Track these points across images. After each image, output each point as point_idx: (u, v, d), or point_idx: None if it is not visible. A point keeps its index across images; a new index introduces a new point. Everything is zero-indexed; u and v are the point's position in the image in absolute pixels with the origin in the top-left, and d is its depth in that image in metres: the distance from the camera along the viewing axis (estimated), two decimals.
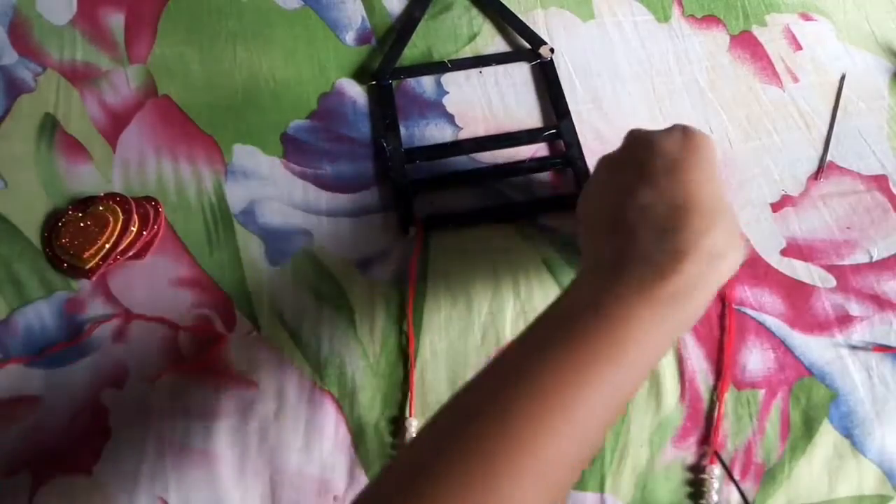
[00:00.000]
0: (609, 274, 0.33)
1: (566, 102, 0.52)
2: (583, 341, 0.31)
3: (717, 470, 0.40)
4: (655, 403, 0.43)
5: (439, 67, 0.53)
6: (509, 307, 0.45)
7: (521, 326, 0.44)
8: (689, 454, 0.42)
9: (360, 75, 0.53)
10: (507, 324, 0.44)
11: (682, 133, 0.36)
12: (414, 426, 0.41)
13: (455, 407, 0.31)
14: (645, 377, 0.33)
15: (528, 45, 0.55)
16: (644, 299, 0.31)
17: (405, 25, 0.55)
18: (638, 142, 0.37)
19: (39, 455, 0.40)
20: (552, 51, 0.54)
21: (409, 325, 0.44)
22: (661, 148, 0.35)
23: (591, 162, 0.50)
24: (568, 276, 0.46)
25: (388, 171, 0.49)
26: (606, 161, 0.39)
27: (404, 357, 0.43)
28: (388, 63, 0.53)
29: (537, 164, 0.50)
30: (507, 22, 0.56)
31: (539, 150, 0.51)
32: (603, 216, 0.36)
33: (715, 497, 0.40)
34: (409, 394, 0.42)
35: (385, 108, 0.51)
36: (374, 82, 0.52)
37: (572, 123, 0.51)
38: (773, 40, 0.56)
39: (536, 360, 0.30)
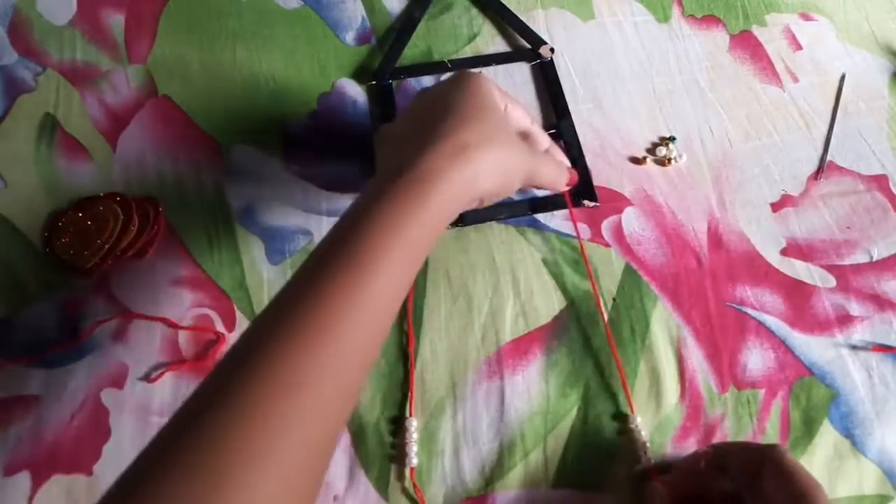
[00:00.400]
0: (364, 192, 0.35)
1: (566, 102, 0.52)
2: (333, 261, 0.31)
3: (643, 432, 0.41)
4: (655, 403, 0.43)
5: (440, 67, 0.53)
6: (509, 307, 0.45)
7: (521, 326, 0.44)
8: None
9: (360, 75, 0.53)
10: (507, 324, 0.44)
11: (452, 77, 0.41)
12: (414, 426, 0.41)
13: (194, 392, 0.30)
14: (407, 279, 0.34)
15: (528, 46, 0.55)
16: (388, 195, 0.33)
17: (405, 25, 0.55)
18: (421, 93, 0.43)
19: (39, 455, 0.40)
20: (552, 51, 0.54)
21: (410, 324, 0.44)
22: (434, 89, 0.41)
23: (591, 162, 0.50)
24: (567, 276, 0.46)
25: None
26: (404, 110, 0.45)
27: (404, 357, 0.43)
28: (388, 63, 0.53)
29: None
30: (507, 22, 0.56)
31: None
32: (380, 153, 0.40)
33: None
34: (410, 394, 0.42)
35: (386, 107, 0.51)
36: (374, 82, 0.52)
37: (572, 123, 0.51)
38: (773, 40, 0.56)
39: (295, 291, 0.31)
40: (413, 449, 0.40)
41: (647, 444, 0.41)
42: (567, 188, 0.45)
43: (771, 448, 0.35)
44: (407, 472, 0.40)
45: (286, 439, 0.27)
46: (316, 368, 0.29)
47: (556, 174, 0.43)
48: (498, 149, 0.37)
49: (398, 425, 0.42)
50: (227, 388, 0.28)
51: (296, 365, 0.29)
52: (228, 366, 0.29)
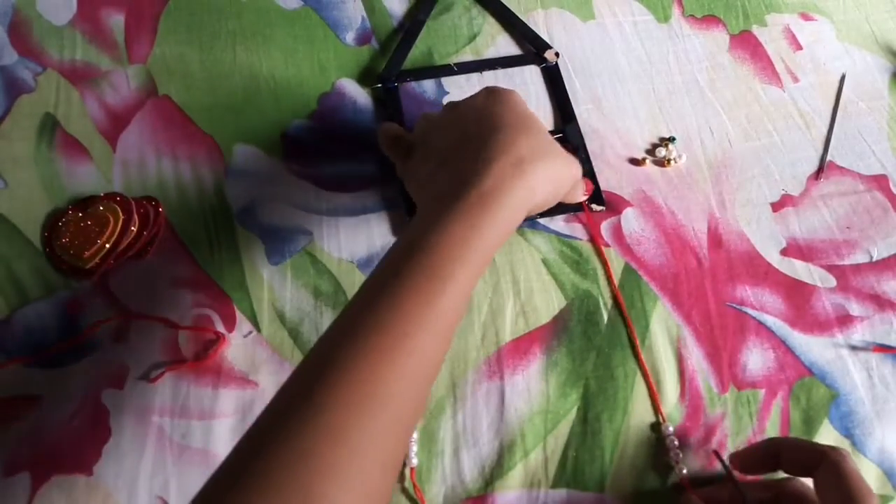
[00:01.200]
0: (427, 206, 0.37)
1: (572, 106, 0.52)
2: (407, 277, 0.32)
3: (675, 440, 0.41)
4: (656, 404, 0.42)
5: (445, 70, 0.53)
6: (509, 307, 0.45)
7: (521, 326, 0.44)
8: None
9: (363, 77, 0.53)
10: (507, 324, 0.44)
11: (486, 92, 0.42)
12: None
13: (272, 403, 0.31)
14: (467, 295, 0.35)
15: (532, 49, 0.55)
16: (457, 210, 0.34)
17: (410, 28, 0.55)
18: (451, 109, 0.42)
19: (39, 455, 0.40)
20: (558, 55, 0.54)
21: None
22: (469, 105, 0.41)
23: (593, 163, 0.50)
24: (567, 276, 0.46)
25: (397, 173, 0.49)
26: (426, 125, 0.43)
27: None
28: (393, 66, 0.53)
29: None
30: (510, 26, 0.56)
31: None
32: (425, 172, 0.40)
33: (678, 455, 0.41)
34: None
35: (392, 110, 0.51)
36: (379, 84, 0.52)
37: (578, 127, 0.51)
38: (773, 40, 0.56)
39: (368, 307, 0.32)
40: (413, 449, 0.40)
41: (680, 454, 0.41)
42: (584, 198, 0.47)
43: (833, 449, 0.35)
44: (407, 472, 0.40)
45: (364, 455, 0.28)
46: (396, 383, 0.30)
47: (581, 186, 0.45)
48: (550, 161, 0.39)
49: None
50: (311, 401, 0.28)
51: (377, 380, 0.29)
52: (309, 378, 0.30)
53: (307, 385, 0.29)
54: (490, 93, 0.42)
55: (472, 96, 0.43)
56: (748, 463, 0.39)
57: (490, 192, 0.35)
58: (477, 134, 0.39)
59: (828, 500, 0.34)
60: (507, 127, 0.38)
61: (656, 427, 0.42)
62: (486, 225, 0.34)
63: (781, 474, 0.38)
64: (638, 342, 0.44)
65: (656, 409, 0.42)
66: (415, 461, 0.40)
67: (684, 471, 0.40)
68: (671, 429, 0.41)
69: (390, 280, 0.32)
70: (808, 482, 0.36)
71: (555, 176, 0.40)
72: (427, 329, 0.31)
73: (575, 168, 0.42)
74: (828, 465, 0.34)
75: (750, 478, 0.39)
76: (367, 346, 0.30)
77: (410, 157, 0.43)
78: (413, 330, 0.31)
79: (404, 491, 0.40)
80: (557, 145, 0.41)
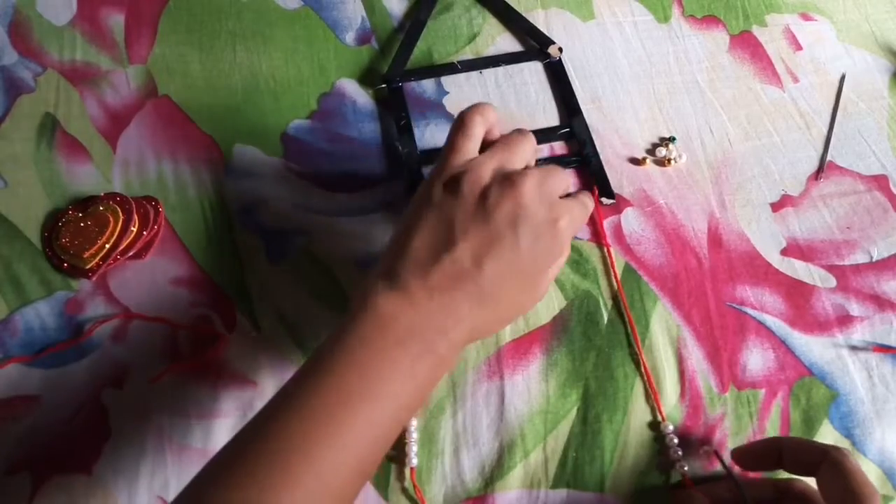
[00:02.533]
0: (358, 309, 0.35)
1: (577, 100, 0.52)
2: (333, 384, 0.32)
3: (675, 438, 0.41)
4: (655, 403, 0.43)
5: (449, 69, 0.53)
6: None
7: (521, 326, 0.44)
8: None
9: (363, 77, 0.53)
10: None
11: (550, 224, 0.37)
12: (414, 426, 0.41)
13: (212, 462, 0.32)
14: (408, 411, 0.35)
15: (535, 45, 0.55)
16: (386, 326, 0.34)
17: (412, 27, 0.55)
18: (505, 189, 0.37)
19: (39, 455, 0.40)
20: (561, 50, 0.54)
21: None
22: (520, 229, 0.36)
23: None
24: (567, 276, 0.46)
25: (403, 174, 0.49)
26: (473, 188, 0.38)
27: None
28: (397, 65, 0.53)
29: (553, 162, 0.50)
30: (512, 22, 0.56)
31: (542, 150, 0.51)
32: (413, 247, 0.37)
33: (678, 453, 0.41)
34: None
35: (397, 110, 0.51)
36: (384, 85, 0.52)
37: (584, 121, 0.51)
38: (773, 40, 0.56)
39: (286, 408, 0.32)
40: (413, 449, 0.40)
41: (680, 452, 0.41)
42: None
43: (835, 448, 0.35)
44: (407, 472, 0.40)
45: None
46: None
47: (582, 221, 0.41)
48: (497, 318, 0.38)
49: None
50: None
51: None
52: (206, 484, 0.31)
53: (252, 435, 0.31)
54: (552, 228, 0.37)
55: (545, 206, 0.37)
56: (749, 460, 0.39)
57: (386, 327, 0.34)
58: (478, 284, 0.35)
59: (831, 499, 0.34)
60: (498, 306, 0.36)
61: (656, 426, 0.42)
62: (421, 349, 0.34)
63: (782, 474, 0.38)
64: (639, 341, 0.44)
65: (656, 408, 0.42)
66: (415, 461, 0.40)
67: (685, 468, 0.40)
68: (671, 427, 0.41)
69: (298, 389, 0.33)
70: (811, 482, 0.36)
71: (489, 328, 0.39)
72: (333, 449, 0.31)
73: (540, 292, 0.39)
74: (830, 463, 0.34)
75: (751, 475, 0.40)
76: (308, 409, 0.31)
77: (448, 188, 0.38)
78: (316, 451, 0.31)
79: (404, 491, 0.40)
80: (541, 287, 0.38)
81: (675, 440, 0.41)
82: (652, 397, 0.43)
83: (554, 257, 0.37)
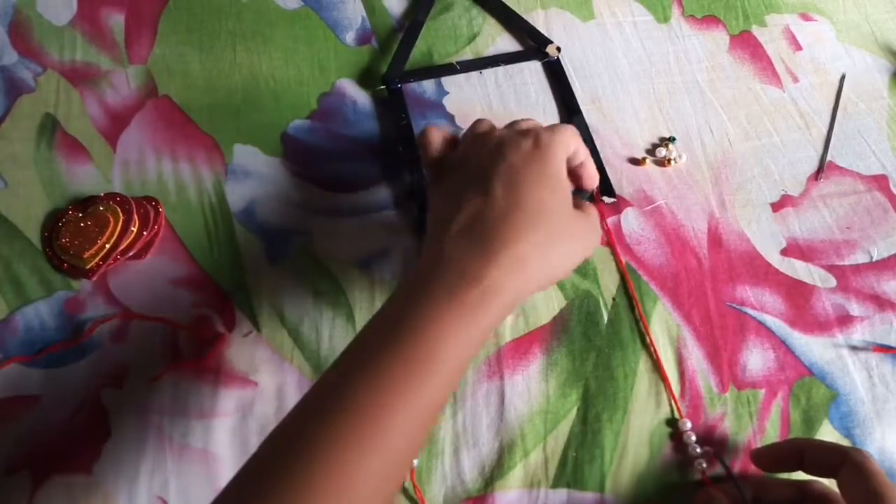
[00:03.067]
0: (423, 285, 0.34)
1: (576, 100, 0.52)
2: (390, 364, 0.31)
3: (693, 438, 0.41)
4: (655, 403, 0.43)
5: (448, 69, 0.53)
6: None
7: (521, 326, 0.44)
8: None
9: (363, 77, 0.53)
10: (506, 323, 0.44)
11: (534, 142, 0.38)
12: None
13: (272, 439, 0.31)
14: (454, 385, 0.34)
15: (533, 45, 0.55)
16: (451, 308, 0.32)
17: (411, 28, 0.55)
18: (485, 144, 0.39)
19: (39, 454, 0.40)
20: (559, 49, 0.54)
21: None
22: (508, 157, 0.37)
23: None
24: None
25: (403, 174, 0.49)
26: (470, 148, 0.40)
27: None
28: (397, 66, 0.53)
29: None
30: (511, 22, 0.56)
31: None
32: (438, 222, 0.37)
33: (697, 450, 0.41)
34: None
35: (397, 111, 0.51)
36: (383, 86, 0.52)
37: (584, 120, 0.51)
38: (773, 40, 0.56)
39: (345, 388, 0.31)
40: None
41: (699, 449, 0.41)
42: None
43: (856, 450, 0.35)
44: (406, 472, 0.40)
45: None
46: (362, 480, 0.29)
47: (564, 134, 0.40)
48: (553, 254, 0.36)
49: None
50: (269, 492, 0.28)
51: (343, 474, 0.29)
52: (274, 461, 0.30)
53: (271, 467, 0.30)
54: (535, 149, 0.38)
55: (513, 140, 0.38)
56: (770, 462, 0.39)
57: (485, 292, 0.33)
58: (496, 205, 0.36)
59: (853, 500, 0.34)
60: (525, 210, 0.35)
61: (673, 423, 0.42)
62: (473, 324, 0.33)
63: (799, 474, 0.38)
64: (651, 335, 0.44)
65: (673, 405, 0.42)
66: (415, 461, 0.40)
67: (704, 465, 0.40)
68: (689, 424, 0.41)
69: (371, 361, 0.32)
70: (831, 483, 0.36)
71: (555, 266, 0.37)
72: (402, 425, 0.30)
73: (592, 238, 0.39)
74: (851, 465, 0.34)
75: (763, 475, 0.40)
76: (337, 438, 0.29)
77: (443, 174, 0.41)
78: (388, 425, 0.30)
79: (404, 491, 0.40)
80: (574, 227, 0.38)
81: (693, 437, 0.41)
82: (661, 393, 0.43)
83: (555, 160, 0.38)
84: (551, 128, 0.39)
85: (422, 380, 0.31)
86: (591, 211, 0.40)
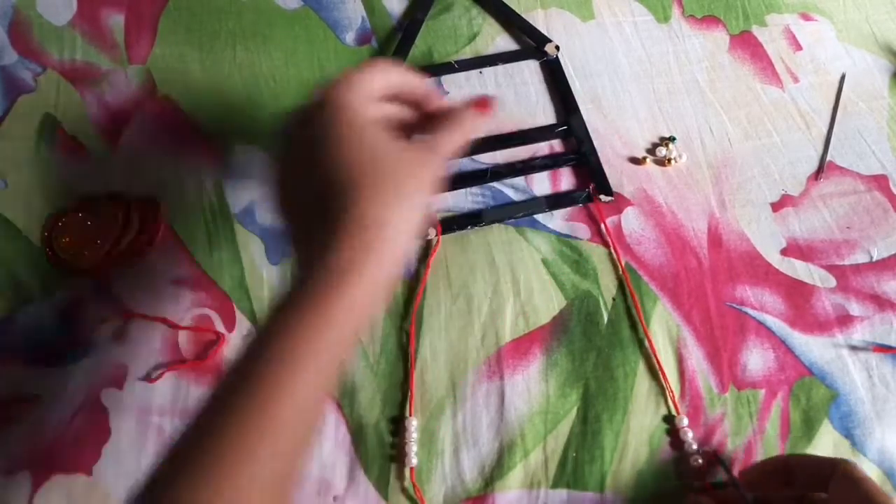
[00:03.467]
0: (300, 273, 0.33)
1: (574, 98, 0.52)
2: (267, 361, 0.30)
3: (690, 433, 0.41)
4: (655, 403, 0.43)
5: (446, 69, 0.53)
6: (509, 307, 0.45)
7: (521, 326, 0.44)
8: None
9: None
10: (506, 324, 0.44)
11: (317, 108, 0.34)
12: (414, 426, 0.41)
13: (178, 434, 0.30)
14: (350, 348, 0.33)
15: (532, 44, 0.55)
16: (302, 297, 0.30)
17: (409, 28, 0.55)
18: (295, 119, 0.36)
19: (39, 455, 0.40)
20: (558, 48, 0.54)
21: (412, 325, 0.44)
22: (311, 123, 0.34)
23: None
24: (567, 276, 0.46)
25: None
26: (280, 147, 0.37)
27: (404, 357, 0.43)
28: None
29: (551, 160, 0.50)
30: (510, 21, 0.56)
31: (541, 148, 0.51)
32: (284, 207, 0.35)
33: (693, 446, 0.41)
34: (410, 393, 0.42)
35: None
36: None
37: (582, 119, 0.51)
38: (773, 40, 0.56)
39: (234, 389, 0.30)
40: (413, 449, 0.40)
41: (696, 446, 0.41)
42: (482, 116, 0.39)
43: (844, 461, 0.35)
44: (407, 471, 0.40)
45: None
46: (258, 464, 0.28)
47: (460, 139, 0.37)
48: (410, 202, 0.33)
49: (398, 425, 0.42)
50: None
51: (239, 463, 0.28)
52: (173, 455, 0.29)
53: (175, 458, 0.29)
54: (316, 111, 0.34)
55: (312, 107, 0.35)
56: (758, 480, 0.39)
57: (337, 275, 0.30)
58: (311, 178, 0.33)
59: None
60: (344, 169, 0.32)
61: (670, 420, 0.42)
62: (330, 318, 0.30)
63: None
64: (649, 334, 0.44)
65: (670, 402, 0.42)
66: (415, 461, 0.40)
67: (700, 461, 0.40)
68: (686, 421, 0.41)
69: (231, 385, 0.30)
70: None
71: (419, 212, 0.34)
72: (266, 436, 0.29)
73: (430, 170, 0.35)
74: (841, 474, 0.34)
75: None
76: (198, 468, 0.28)
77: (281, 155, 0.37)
78: (251, 440, 0.29)
79: (404, 491, 0.40)
80: (404, 163, 0.34)
81: (690, 434, 0.41)
82: (661, 393, 0.43)
83: (337, 113, 0.34)
84: (336, 80, 0.35)
85: (281, 392, 0.29)
86: (423, 146, 0.35)
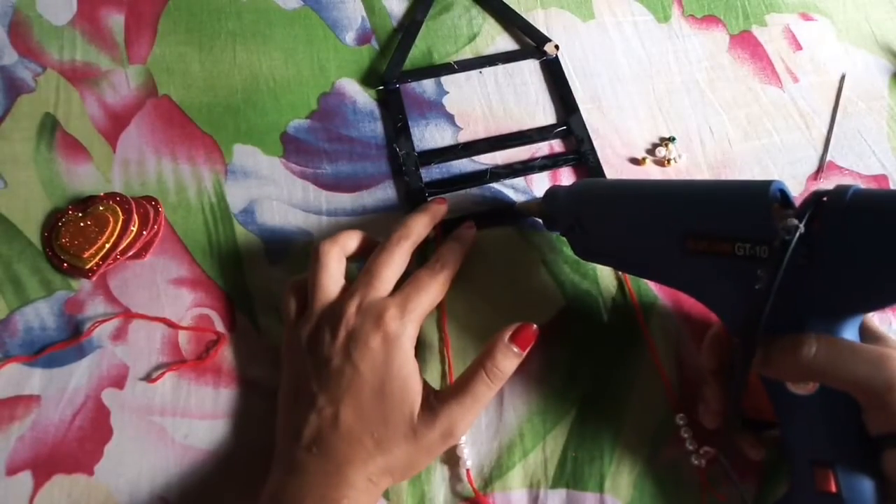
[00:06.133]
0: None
1: (574, 98, 0.52)
2: None
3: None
4: (655, 403, 0.43)
5: (446, 69, 0.53)
6: (509, 307, 0.45)
7: None
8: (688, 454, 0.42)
9: (363, 77, 0.53)
10: (506, 323, 0.44)
11: (383, 338, 0.37)
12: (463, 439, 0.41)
13: None
14: None
15: (532, 44, 0.55)
16: None
17: (409, 28, 0.55)
18: (334, 331, 0.38)
19: (40, 454, 0.40)
20: (557, 47, 0.54)
21: (444, 326, 0.43)
22: (356, 362, 0.36)
23: None
24: (567, 276, 0.46)
25: (402, 175, 0.49)
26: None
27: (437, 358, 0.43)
28: (394, 67, 0.53)
29: (550, 161, 0.50)
30: (509, 21, 0.56)
31: (541, 148, 0.51)
32: (285, 427, 0.39)
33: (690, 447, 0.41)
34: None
35: (395, 111, 0.51)
36: (381, 87, 0.52)
37: (582, 119, 0.51)
38: (773, 40, 0.56)
39: None
40: (465, 451, 0.40)
41: (695, 444, 0.41)
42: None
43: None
44: (463, 473, 0.40)
45: None
46: None
47: (422, 296, 0.39)
48: (401, 465, 0.36)
49: None
50: None
51: None
52: None
53: None
54: (385, 341, 0.37)
55: (370, 328, 0.37)
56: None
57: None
58: (343, 425, 0.35)
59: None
60: (371, 432, 0.36)
61: (670, 420, 0.42)
62: None
63: None
64: (649, 334, 0.44)
65: (668, 400, 0.42)
66: (469, 463, 0.40)
67: (702, 461, 0.40)
68: (686, 421, 0.41)
69: None
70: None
71: (410, 467, 0.37)
72: None
73: (432, 450, 0.37)
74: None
75: None
76: None
77: (288, 355, 0.41)
78: None
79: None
80: (419, 440, 0.36)
81: (690, 432, 0.41)
82: (661, 393, 0.43)
83: (401, 357, 0.37)
84: (401, 305, 0.38)
85: None
86: (441, 415, 0.36)
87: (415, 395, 0.36)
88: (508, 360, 0.38)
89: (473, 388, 0.37)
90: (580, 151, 0.50)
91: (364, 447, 0.35)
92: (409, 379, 0.36)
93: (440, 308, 0.44)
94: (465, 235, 0.44)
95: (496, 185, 0.49)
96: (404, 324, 0.37)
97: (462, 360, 0.43)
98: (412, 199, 0.48)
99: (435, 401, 0.37)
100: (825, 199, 0.31)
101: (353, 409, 0.36)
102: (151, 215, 0.46)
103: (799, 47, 0.56)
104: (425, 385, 0.38)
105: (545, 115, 0.52)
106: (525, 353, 0.38)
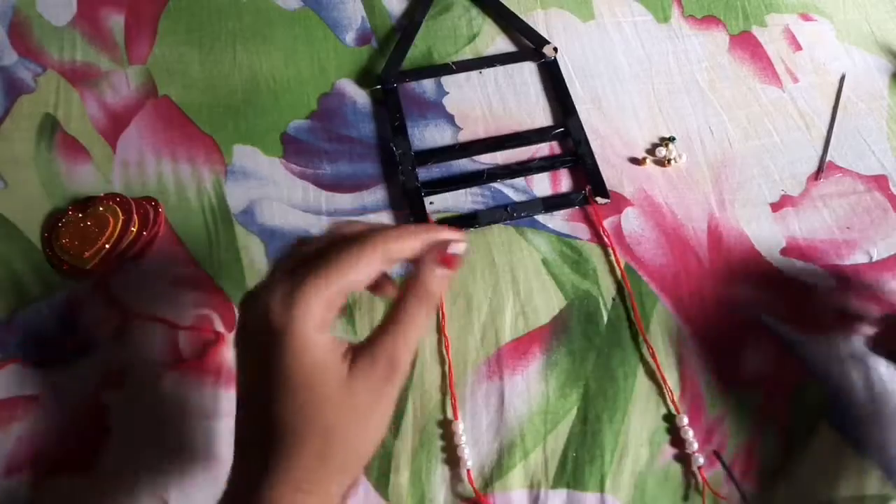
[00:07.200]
0: None
1: (572, 100, 0.52)
2: None
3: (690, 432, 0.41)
4: (655, 403, 0.43)
5: (444, 70, 0.53)
6: (509, 307, 0.45)
7: (521, 326, 0.44)
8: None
9: (363, 77, 0.53)
10: (506, 323, 0.44)
11: (268, 333, 0.30)
12: (461, 428, 0.41)
13: None
14: None
15: (531, 45, 0.55)
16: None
17: (407, 28, 0.55)
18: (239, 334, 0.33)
19: (39, 455, 0.40)
20: (556, 49, 0.54)
21: (444, 329, 0.43)
22: (246, 361, 0.32)
23: None
24: (567, 276, 0.46)
25: (399, 174, 0.49)
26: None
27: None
28: (392, 66, 0.53)
29: (548, 162, 0.50)
30: (508, 22, 0.56)
31: (541, 149, 0.51)
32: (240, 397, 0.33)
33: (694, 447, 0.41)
34: (451, 396, 0.42)
35: (392, 111, 0.51)
36: (379, 86, 0.52)
37: (580, 121, 0.51)
38: (772, 40, 0.56)
39: None
40: (465, 451, 0.40)
41: (696, 445, 0.41)
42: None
43: None
44: (463, 473, 0.40)
45: None
46: None
47: (414, 335, 0.31)
48: (338, 454, 0.30)
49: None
50: None
51: None
52: None
53: None
54: (270, 335, 0.29)
55: (255, 324, 0.30)
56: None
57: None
58: (256, 424, 0.31)
59: None
60: (280, 432, 0.29)
61: (670, 420, 0.42)
62: None
63: None
64: (649, 334, 0.44)
65: (669, 401, 0.42)
66: (470, 463, 0.40)
67: (700, 461, 0.40)
68: (685, 420, 0.41)
69: None
70: None
71: (355, 453, 0.30)
72: None
73: (382, 420, 0.31)
74: None
75: None
76: None
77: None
78: None
79: (458, 494, 0.40)
80: (350, 413, 0.30)
81: (690, 434, 0.41)
82: (661, 393, 0.43)
83: (287, 348, 0.29)
84: (290, 287, 0.29)
85: None
86: (378, 346, 0.30)
87: (321, 360, 0.30)
88: (437, 282, 0.32)
89: (406, 308, 0.31)
90: (577, 153, 0.50)
91: (278, 446, 0.29)
92: (305, 356, 0.29)
93: (440, 308, 0.44)
94: (432, 283, 0.32)
95: (496, 185, 0.49)
96: (289, 313, 0.29)
97: (462, 359, 0.43)
98: (409, 198, 0.48)
99: (365, 341, 0.31)
100: None
101: (253, 405, 0.32)
102: (151, 216, 0.46)
103: (799, 48, 0.56)
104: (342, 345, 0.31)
105: (545, 115, 0.52)
106: (453, 272, 0.33)
